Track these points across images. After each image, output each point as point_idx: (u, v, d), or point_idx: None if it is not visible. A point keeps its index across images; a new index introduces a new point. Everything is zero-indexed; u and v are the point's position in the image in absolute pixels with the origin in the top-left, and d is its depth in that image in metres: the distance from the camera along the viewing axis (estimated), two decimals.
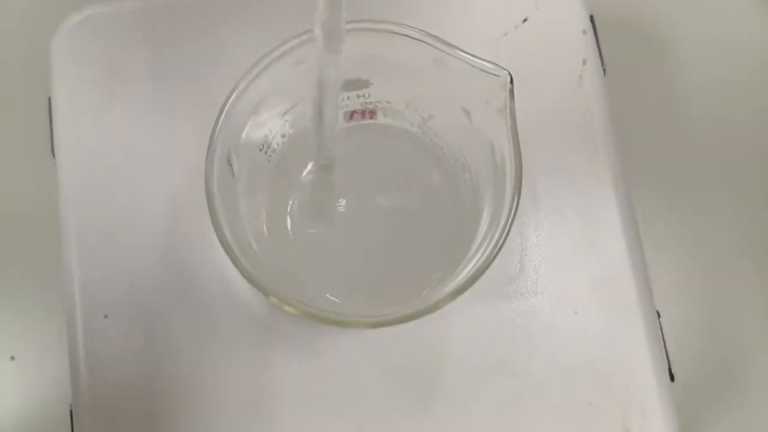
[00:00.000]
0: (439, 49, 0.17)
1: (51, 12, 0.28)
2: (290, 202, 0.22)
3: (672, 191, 0.33)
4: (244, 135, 0.19)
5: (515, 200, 0.17)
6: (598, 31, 0.28)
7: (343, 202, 0.23)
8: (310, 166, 0.22)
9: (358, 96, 0.21)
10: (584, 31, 0.27)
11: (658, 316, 0.26)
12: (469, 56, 0.17)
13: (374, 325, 0.17)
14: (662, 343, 0.26)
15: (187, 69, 0.27)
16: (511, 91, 0.17)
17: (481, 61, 0.17)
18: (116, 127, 0.27)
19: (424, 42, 0.17)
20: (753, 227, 0.33)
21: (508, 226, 0.18)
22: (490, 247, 0.18)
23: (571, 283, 0.25)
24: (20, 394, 0.32)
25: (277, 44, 0.18)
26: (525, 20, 0.27)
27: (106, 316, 0.25)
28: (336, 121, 0.18)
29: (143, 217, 0.26)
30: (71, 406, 0.25)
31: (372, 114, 0.22)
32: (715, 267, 0.32)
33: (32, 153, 0.30)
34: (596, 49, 0.27)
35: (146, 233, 0.25)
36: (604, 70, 0.27)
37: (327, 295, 0.22)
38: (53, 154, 0.27)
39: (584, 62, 0.27)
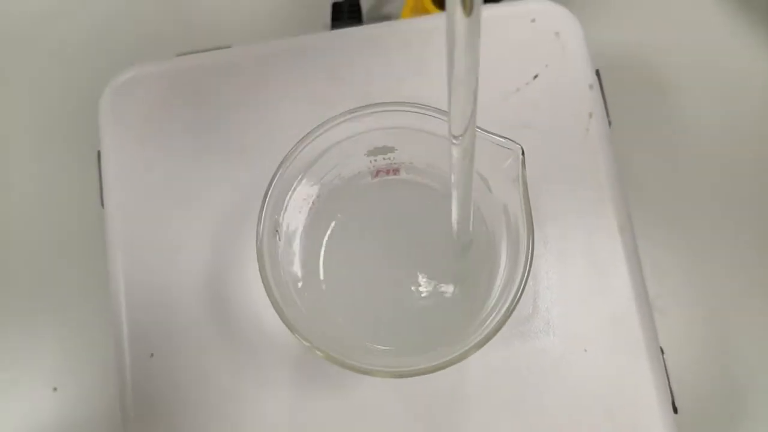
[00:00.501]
0: None
1: (101, 71, 0.30)
2: (322, 255, 0.24)
3: (678, 233, 0.35)
4: (288, 202, 0.21)
5: (529, 259, 0.19)
6: (604, 84, 0.30)
7: (374, 253, 0.24)
8: (333, 223, 0.24)
9: (384, 159, 0.23)
10: (590, 86, 0.29)
11: (662, 352, 0.27)
12: (483, 132, 0.19)
13: (400, 376, 0.19)
14: (666, 378, 0.27)
15: (225, 126, 0.29)
16: (523, 162, 0.19)
17: (495, 137, 0.19)
18: (160, 179, 0.28)
19: (443, 119, 0.20)
20: (756, 268, 0.34)
21: (522, 285, 0.20)
22: (508, 303, 0.20)
23: (580, 323, 0.27)
24: (61, 424, 0.34)
25: (323, 122, 0.20)
26: (536, 77, 0.29)
27: (152, 355, 0.27)
28: (470, 196, 0.19)
29: (186, 263, 0.27)
30: None
31: (396, 171, 0.24)
32: (718, 306, 0.34)
33: (83, 202, 0.32)
34: (602, 103, 0.29)
35: (189, 278, 0.27)
36: (610, 122, 0.29)
37: (359, 339, 0.24)
38: (102, 204, 0.29)
39: (591, 115, 0.28)
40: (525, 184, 0.19)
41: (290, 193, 0.21)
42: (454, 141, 0.17)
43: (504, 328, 0.26)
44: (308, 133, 0.20)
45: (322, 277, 0.24)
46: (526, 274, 0.19)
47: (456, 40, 0.13)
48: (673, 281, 0.34)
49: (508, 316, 0.19)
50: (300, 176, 0.21)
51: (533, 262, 0.26)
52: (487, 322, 0.19)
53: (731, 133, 0.35)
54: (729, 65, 0.36)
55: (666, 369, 0.27)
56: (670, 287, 0.34)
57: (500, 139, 0.19)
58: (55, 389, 0.34)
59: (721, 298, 0.34)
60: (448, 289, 0.24)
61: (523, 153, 0.19)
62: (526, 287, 0.26)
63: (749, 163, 0.35)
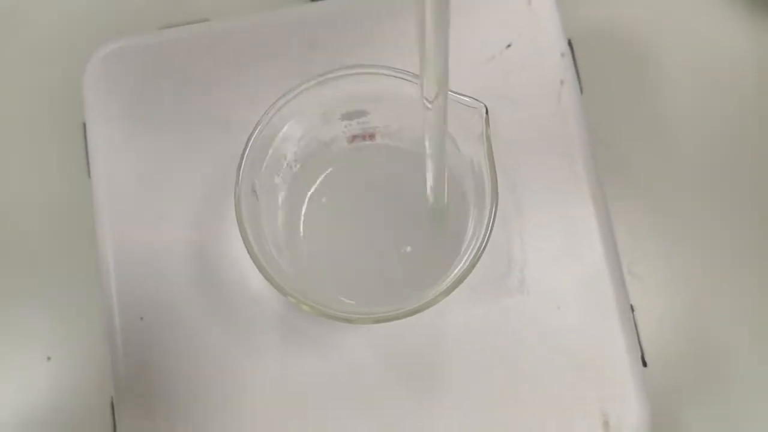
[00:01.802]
0: None
1: (84, 43, 0.31)
2: (302, 217, 0.25)
3: (653, 199, 0.36)
4: (265, 165, 0.22)
5: (493, 212, 0.20)
6: (576, 52, 0.31)
7: (351, 212, 0.25)
8: (317, 183, 0.25)
9: (358, 123, 0.24)
10: (562, 54, 0.30)
11: (632, 310, 0.28)
12: (450, 93, 0.20)
13: (377, 321, 0.20)
14: (636, 333, 0.28)
15: (209, 96, 0.29)
16: (487, 121, 0.20)
17: (461, 96, 0.20)
18: (146, 149, 0.29)
19: (412, 82, 0.20)
20: (725, 229, 0.35)
21: (488, 233, 0.21)
22: (474, 251, 0.21)
23: (553, 282, 0.28)
24: (55, 392, 0.34)
25: (296, 84, 0.21)
26: (509, 46, 0.30)
27: (141, 319, 0.28)
28: (445, 159, 0.20)
29: (172, 229, 0.28)
30: (112, 399, 0.28)
31: (371, 136, 0.25)
32: (688, 265, 0.34)
33: (70, 173, 0.32)
34: (574, 71, 0.30)
35: (175, 244, 0.28)
36: (581, 89, 0.30)
37: (337, 294, 0.25)
38: (89, 174, 0.29)
39: (562, 83, 0.29)
40: (489, 140, 0.20)
41: (268, 153, 0.22)
42: (428, 104, 0.18)
43: (480, 286, 0.27)
44: (282, 95, 0.21)
45: (302, 237, 0.25)
46: (490, 226, 0.20)
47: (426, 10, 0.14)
48: (649, 246, 0.35)
49: (474, 265, 0.20)
50: (277, 138, 0.22)
51: (508, 225, 0.28)
52: (455, 271, 0.20)
53: (704, 100, 0.36)
54: (704, 34, 0.37)
55: (636, 325, 0.28)
56: (645, 252, 0.35)
57: (466, 98, 0.20)
58: (48, 358, 0.34)
59: (696, 262, 0.35)
60: (422, 246, 0.25)
61: (486, 111, 0.20)
62: (502, 249, 0.28)
63: (723, 129, 0.36)
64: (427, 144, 0.19)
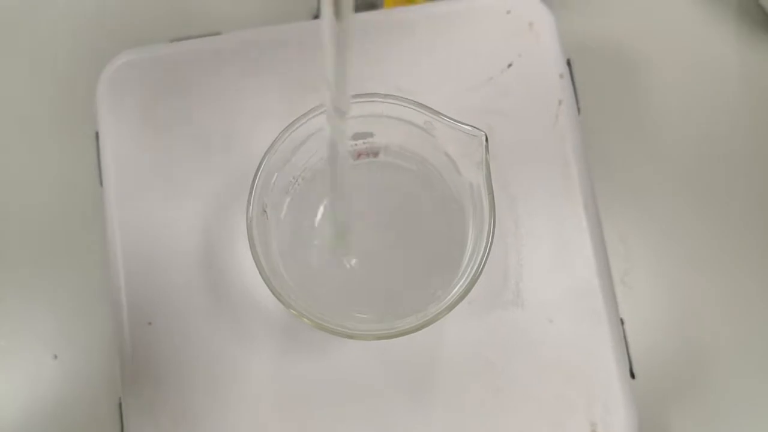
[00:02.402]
0: (428, 115, 0.21)
1: (98, 54, 0.31)
2: (309, 229, 0.26)
3: (648, 214, 0.37)
4: (275, 185, 0.23)
5: (490, 234, 0.21)
6: (576, 72, 0.32)
7: (354, 228, 0.26)
8: (322, 207, 0.26)
9: (364, 143, 0.25)
10: (561, 75, 0.31)
11: (622, 323, 0.30)
12: (451, 120, 0.21)
13: (378, 338, 0.21)
14: (625, 346, 0.29)
15: (220, 108, 0.30)
16: (486, 148, 0.21)
17: (461, 125, 0.21)
18: (156, 158, 0.30)
19: (416, 110, 0.22)
20: (717, 240, 0.36)
21: (486, 253, 0.22)
22: (473, 270, 0.22)
23: (546, 295, 0.29)
24: (62, 390, 0.35)
25: (302, 107, 0.22)
26: (509, 65, 0.31)
27: (150, 324, 0.29)
28: (345, 169, 0.21)
29: (181, 238, 0.29)
30: (120, 400, 0.28)
31: (375, 154, 0.26)
32: (680, 276, 0.36)
33: (83, 180, 0.33)
34: (572, 91, 0.31)
35: (184, 252, 0.29)
36: (579, 109, 0.31)
37: (341, 308, 0.26)
38: (101, 182, 0.30)
39: (560, 103, 0.30)
40: (488, 167, 0.21)
41: (277, 175, 0.23)
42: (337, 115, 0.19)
43: (477, 299, 0.28)
44: (293, 122, 0.22)
45: (307, 254, 0.26)
46: (489, 247, 0.21)
47: (327, 41, 0.15)
48: (641, 258, 0.36)
49: (474, 283, 0.21)
50: (287, 159, 0.23)
51: (506, 239, 0.29)
52: (455, 290, 0.21)
53: (698, 116, 0.37)
54: (701, 55, 0.38)
55: (625, 338, 0.29)
56: (638, 263, 0.36)
57: (467, 126, 0.21)
58: (55, 357, 0.35)
59: (688, 273, 0.36)
60: (423, 260, 0.26)
61: (486, 139, 0.21)
62: (499, 263, 0.29)
63: (717, 144, 0.37)
64: (328, 151, 0.20)
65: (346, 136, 0.20)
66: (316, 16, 0.36)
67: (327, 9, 0.14)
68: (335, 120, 0.19)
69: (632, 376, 0.29)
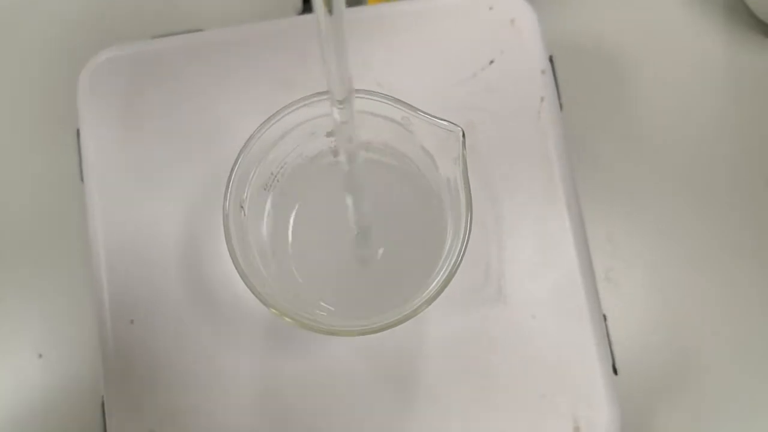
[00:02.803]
0: (405, 111, 0.21)
1: (79, 50, 0.31)
2: (290, 226, 0.26)
3: (632, 210, 0.37)
4: (252, 180, 0.23)
5: (468, 226, 0.21)
6: (558, 69, 0.32)
7: (335, 224, 0.27)
8: (302, 195, 0.26)
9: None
10: (543, 72, 0.31)
11: (605, 319, 0.30)
12: (428, 116, 0.21)
13: (360, 333, 0.21)
14: (608, 342, 0.29)
15: (201, 104, 0.30)
16: (463, 143, 0.21)
17: (439, 120, 0.21)
18: (137, 155, 0.30)
19: (393, 106, 0.21)
20: (702, 237, 0.36)
21: (464, 246, 0.22)
22: (452, 263, 0.22)
23: (529, 292, 0.29)
24: (47, 389, 0.35)
25: (285, 105, 0.22)
26: (491, 62, 0.31)
27: (132, 322, 0.29)
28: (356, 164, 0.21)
29: (163, 235, 0.29)
30: (103, 398, 0.28)
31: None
32: (665, 273, 0.36)
33: (64, 177, 0.33)
34: (554, 87, 0.31)
35: (165, 249, 0.29)
36: (561, 106, 0.31)
37: (321, 303, 0.26)
38: (81, 179, 0.30)
39: (542, 99, 0.30)
40: (465, 162, 0.21)
41: (255, 170, 0.23)
42: (339, 105, 0.19)
43: (459, 296, 0.28)
44: (269, 117, 0.22)
45: (288, 250, 0.26)
46: (466, 241, 0.21)
47: (323, 33, 0.16)
48: (627, 256, 0.36)
49: (452, 275, 0.21)
50: (264, 155, 0.23)
51: (488, 235, 0.29)
52: (434, 284, 0.21)
53: (682, 112, 0.37)
54: (685, 52, 0.38)
55: (608, 334, 0.29)
56: (623, 260, 0.36)
57: (444, 122, 0.21)
58: (40, 356, 0.35)
59: (672, 269, 0.36)
60: (403, 256, 0.26)
61: (463, 135, 0.21)
62: (481, 259, 0.29)
63: (701, 139, 0.37)
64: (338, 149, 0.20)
65: (354, 129, 0.20)
66: (300, 13, 0.36)
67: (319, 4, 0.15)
68: (341, 115, 0.19)
69: (615, 372, 0.29)
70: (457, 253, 0.22)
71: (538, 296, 0.29)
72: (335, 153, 0.25)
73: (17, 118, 0.37)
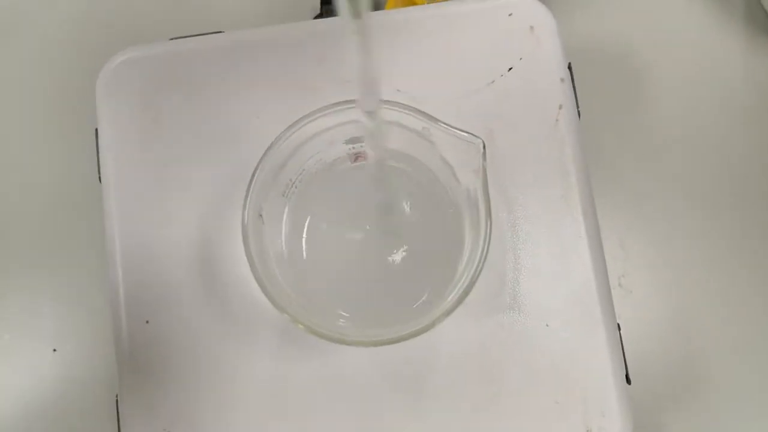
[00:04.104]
0: (426, 122, 0.21)
1: (99, 51, 0.31)
2: (307, 232, 0.26)
3: (646, 218, 0.37)
4: (271, 188, 0.23)
5: (487, 241, 0.21)
6: (576, 76, 0.31)
7: (352, 232, 0.27)
8: (319, 200, 0.26)
9: (362, 146, 0.25)
10: (562, 79, 0.30)
11: (619, 328, 0.29)
12: (448, 127, 0.21)
13: (372, 345, 0.21)
14: (621, 351, 0.29)
15: (218, 106, 0.30)
16: (484, 155, 0.21)
17: (459, 132, 0.21)
18: (155, 156, 0.30)
19: (414, 116, 0.21)
20: (715, 244, 0.36)
21: (483, 258, 0.22)
22: (470, 277, 0.22)
23: (544, 300, 0.29)
24: (61, 382, 0.35)
25: (302, 108, 0.22)
26: (510, 69, 0.31)
27: (147, 322, 0.29)
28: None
29: (179, 236, 0.29)
30: (117, 396, 0.29)
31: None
32: (678, 279, 0.36)
33: (82, 176, 0.33)
34: (572, 95, 0.30)
35: (182, 250, 0.29)
36: (579, 114, 0.31)
37: (337, 310, 0.26)
38: (99, 178, 0.30)
39: (560, 107, 0.30)
40: (485, 174, 0.21)
41: (274, 178, 0.23)
42: (370, 117, 0.19)
43: (474, 303, 0.28)
44: (290, 125, 0.22)
45: (304, 256, 0.26)
46: (485, 254, 0.21)
47: (350, 37, 0.16)
48: (640, 262, 0.36)
49: (470, 289, 0.21)
50: (284, 162, 0.23)
51: (504, 243, 0.29)
52: (452, 296, 0.21)
53: (703, 126, 0.37)
54: (705, 60, 0.38)
55: (621, 343, 0.29)
56: (636, 267, 0.36)
57: (465, 134, 0.21)
58: (54, 350, 0.36)
59: (685, 279, 0.36)
60: (420, 264, 0.26)
61: (484, 146, 0.21)
62: (496, 267, 0.29)
63: (720, 154, 0.37)
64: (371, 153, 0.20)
65: (382, 132, 0.20)
66: (317, 16, 0.36)
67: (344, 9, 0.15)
68: (369, 120, 0.19)
69: (628, 381, 0.29)
70: (476, 265, 0.22)
71: (552, 304, 0.29)
72: (353, 159, 0.25)
73: (37, 118, 0.37)
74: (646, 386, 0.34)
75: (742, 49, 0.38)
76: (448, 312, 0.22)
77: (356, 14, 0.15)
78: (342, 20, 0.16)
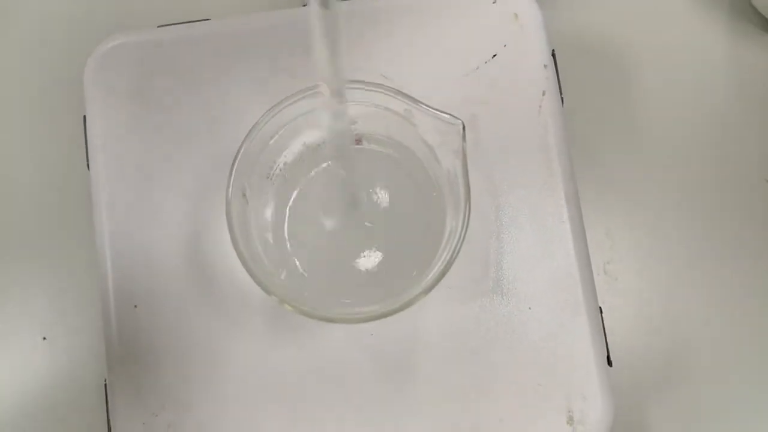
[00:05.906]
0: (407, 103, 0.22)
1: (86, 38, 0.32)
2: (292, 215, 0.27)
3: (628, 199, 0.37)
4: (255, 169, 0.23)
5: (466, 220, 0.22)
6: (560, 63, 0.32)
7: (335, 213, 0.27)
8: (304, 184, 0.26)
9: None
10: (545, 66, 0.31)
11: (601, 312, 0.30)
12: (430, 109, 0.22)
13: (358, 321, 0.22)
14: (603, 334, 0.29)
15: (207, 93, 0.30)
16: (464, 136, 0.22)
17: (440, 113, 0.22)
18: (143, 142, 0.30)
19: (396, 98, 0.22)
20: (700, 231, 0.37)
21: (461, 236, 0.22)
22: (449, 255, 0.23)
23: (527, 283, 0.29)
24: (51, 370, 0.35)
25: (288, 94, 0.22)
26: (494, 56, 0.31)
27: (135, 306, 0.29)
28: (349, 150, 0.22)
29: (167, 222, 0.29)
30: (105, 381, 0.29)
31: (359, 141, 0.27)
32: (662, 266, 0.36)
33: (70, 164, 0.33)
34: (556, 82, 0.31)
35: (170, 236, 0.29)
36: (563, 100, 0.31)
37: (321, 291, 0.26)
38: (87, 166, 0.30)
39: (544, 93, 0.31)
40: (465, 155, 0.21)
41: (257, 159, 0.23)
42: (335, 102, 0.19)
43: (457, 287, 0.29)
44: (272, 107, 0.22)
45: (288, 238, 0.26)
46: (464, 232, 0.22)
47: (315, 28, 0.16)
48: (625, 249, 0.37)
49: (450, 265, 0.22)
50: (267, 143, 0.23)
51: (487, 228, 0.29)
52: (432, 273, 0.22)
53: (687, 114, 0.37)
54: (688, 49, 0.38)
55: (603, 326, 0.30)
56: (621, 253, 0.37)
57: (445, 115, 0.22)
58: (44, 338, 0.36)
59: (669, 263, 0.36)
60: (402, 246, 0.26)
61: (464, 128, 0.21)
62: (480, 251, 0.29)
63: (704, 142, 0.37)
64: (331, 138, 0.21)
65: (346, 117, 0.21)
66: (305, 4, 0.36)
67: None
68: (333, 104, 0.20)
69: (610, 363, 0.29)
70: (455, 244, 0.22)
71: (534, 288, 0.29)
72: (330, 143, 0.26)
73: (24, 106, 0.37)
74: (631, 372, 0.35)
75: (726, 38, 0.38)
76: (427, 290, 0.23)
77: (324, 3, 0.15)
78: (310, 8, 0.16)
